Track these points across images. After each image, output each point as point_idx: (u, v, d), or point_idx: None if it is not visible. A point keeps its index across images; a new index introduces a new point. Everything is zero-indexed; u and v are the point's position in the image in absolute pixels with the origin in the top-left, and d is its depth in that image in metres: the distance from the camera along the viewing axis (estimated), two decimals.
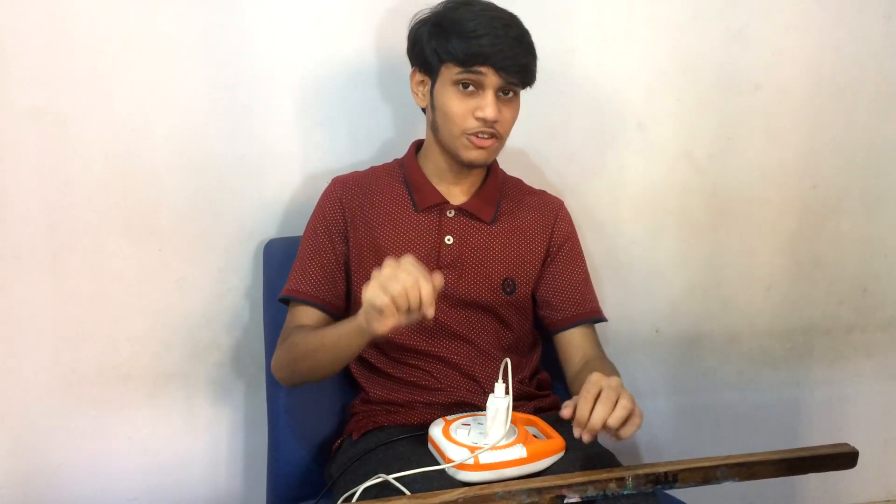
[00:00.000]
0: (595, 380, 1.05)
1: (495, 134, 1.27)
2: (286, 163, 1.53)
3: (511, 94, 1.27)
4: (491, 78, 1.23)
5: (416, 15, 1.31)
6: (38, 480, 1.52)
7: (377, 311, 1.03)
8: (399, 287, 1.01)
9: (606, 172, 1.70)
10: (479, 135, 1.26)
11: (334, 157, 1.55)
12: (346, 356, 1.21)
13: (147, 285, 1.50)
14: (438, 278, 1.06)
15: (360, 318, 1.09)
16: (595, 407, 1.02)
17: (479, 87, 1.24)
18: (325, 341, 1.22)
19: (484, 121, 1.24)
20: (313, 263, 1.34)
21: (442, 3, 1.29)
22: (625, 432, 1.03)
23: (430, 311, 1.03)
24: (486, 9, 1.25)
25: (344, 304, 1.36)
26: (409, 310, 1.03)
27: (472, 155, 1.28)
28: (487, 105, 1.23)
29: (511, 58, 1.22)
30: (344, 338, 1.17)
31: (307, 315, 1.33)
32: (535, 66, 1.28)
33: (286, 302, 1.36)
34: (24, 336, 1.47)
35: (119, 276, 1.49)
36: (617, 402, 1.02)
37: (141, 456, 1.56)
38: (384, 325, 1.04)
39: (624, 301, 1.75)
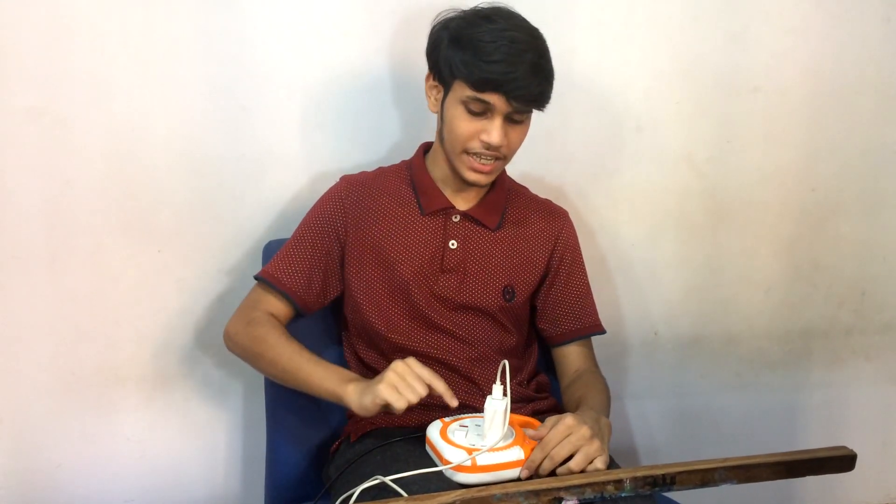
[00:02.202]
0: (562, 428, 1.09)
1: (499, 157, 1.27)
2: (285, 164, 1.53)
3: (521, 116, 1.26)
4: (500, 105, 1.21)
5: (439, 14, 1.28)
6: (37, 481, 1.52)
7: (379, 406, 1.13)
8: (413, 396, 1.12)
9: (605, 174, 1.70)
10: (481, 159, 1.25)
11: (334, 159, 1.55)
12: (312, 393, 1.24)
13: (146, 286, 1.50)
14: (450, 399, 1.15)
15: (350, 392, 1.17)
16: (546, 457, 1.08)
17: (488, 109, 1.22)
18: (299, 374, 1.24)
19: (489, 145, 1.24)
20: (297, 256, 1.34)
21: (466, 11, 1.26)
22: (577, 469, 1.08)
23: (453, 402, 1.14)
24: (508, 27, 1.21)
25: (315, 303, 1.36)
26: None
27: (472, 177, 1.28)
28: (494, 130, 1.22)
29: (523, 87, 1.20)
30: (321, 387, 1.22)
31: (274, 303, 1.33)
32: (549, 90, 1.26)
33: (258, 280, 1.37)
34: (23, 337, 1.47)
35: (118, 277, 1.49)
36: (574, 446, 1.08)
37: (139, 457, 1.56)
38: (371, 413, 1.15)
39: (623, 303, 1.75)
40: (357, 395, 1.16)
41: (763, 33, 1.69)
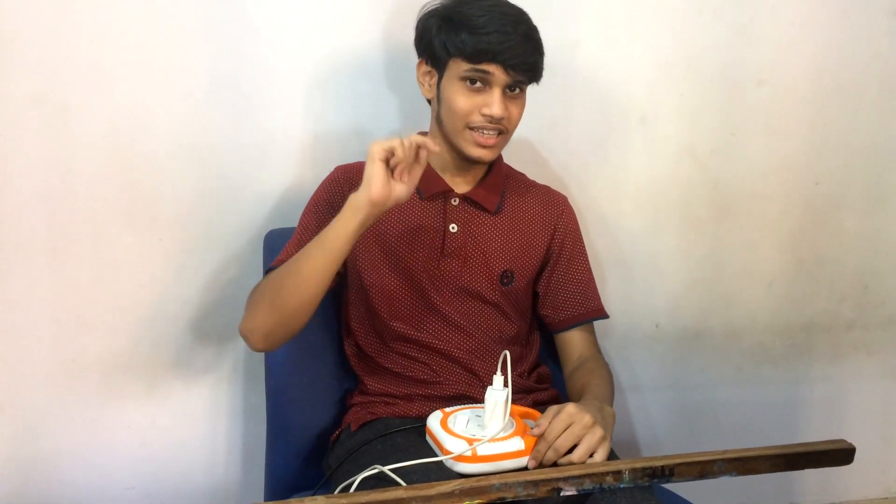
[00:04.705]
0: (563, 418, 1.09)
1: (502, 130, 1.27)
2: (288, 154, 1.53)
3: (518, 90, 1.27)
4: (498, 75, 1.22)
5: (424, 6, 1.30)
6: (37, 468, 1.52)
7: (385, 155, 1.11)
8: (397, 141, 1.12)
9: (608, 167, 1.69)
10: (485, 132, 1.26)
11: (336, 148, 1.54)
12: (334, 254, 1.18)
13: (147, 275, 1.50)
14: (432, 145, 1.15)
15: (351, 199, 1.15)
16: (550, 448, 1.08)
17: (487, 83, 1.24)
18: (310, 247, 1.20)
19: (490, 118, 1.24)
20: (306, 241, 1.28)
21: None
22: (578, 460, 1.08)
23: (434, 148, 1.15)
24: (496, 4, 1.24)
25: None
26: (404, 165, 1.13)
27: (477, 153, 1.28)
28: (494, 102, 1.23)
29: (519, 55, 1.22)
30: (333, 228, 1.17)
31: None
32: (542, 63, 1.28)
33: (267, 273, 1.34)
34: (24, 325, 1.47)
35: (119, 266, 1.49)
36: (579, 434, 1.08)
37: (139, 445, 1.57)
38: (382, 182, 1.11)
39: (625, 296, 1.75)
40: (358, 191, 1.14)
41: (768, 26, 1.68)
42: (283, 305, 1.22)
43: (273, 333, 1.25)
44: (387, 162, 1.12)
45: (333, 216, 1.25)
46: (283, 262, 1.29)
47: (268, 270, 1.33)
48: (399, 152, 1.11)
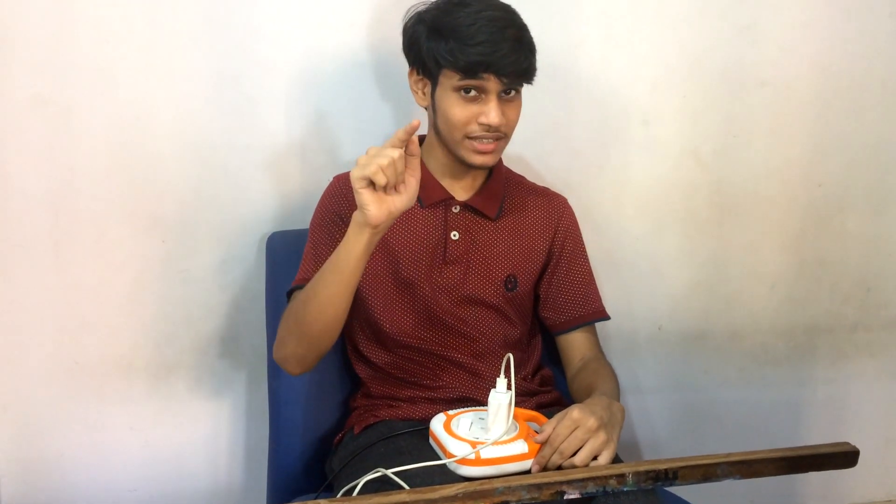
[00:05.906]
0: (568, 423, 1.08)
1: (500, 136, 1.26)
2: (290, 155, 1.53)
3: (513, 92, 1.25)
4: (492, 83, 1.21)
5: (409, 10, 1.28)
6: (40, 469, 1.52)
7: (366, 182, 1.07)
8: (376, 162, 1.06)
9: (610, 169, 1.69)
10: (483, 140, 1.25)
11: (339, 150, 1.54)
12: (348, 276, 1.16)
13: (149, 276, 1.50)
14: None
15: (352, 222, 1.12)
16: (555, 452, 1.08)
17: (482, 91, 1.22)
18: (324, 272, 1.18)
19: (488, 126, 1.23)
20: (322, 255, 1.28)
21: (437, 1, 1.26)
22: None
23: (414, 122, 1.08)
24: (483, 8, 1.21)
25: None
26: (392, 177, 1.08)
27: (479, 160, 1.27)
28: (491, 111, 1.22)
29: (512, 62, 1.20)
30: (343, 251, 1.14)
31: None
32: (535, 62, 1.26)
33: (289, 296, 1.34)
34: (27, 325, 1.47)
35: (122, 267, 1.49)
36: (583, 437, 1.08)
37: (142, 446, 1.57)
38: (376, 205, 1.08)
39: (627, 298, 1.75)
40: (356, 213, 1.11)
41: (770, 27, 1.68)
42: (308, 332, 1.22)
43: (305, 358, 1.25)
44: (373, 185, 1.09)
45: (343, 226, 1.23)
46: (303, 280, 1.28)
47: (290, 292, 1.32)
48: (380, 179, 1.06)
